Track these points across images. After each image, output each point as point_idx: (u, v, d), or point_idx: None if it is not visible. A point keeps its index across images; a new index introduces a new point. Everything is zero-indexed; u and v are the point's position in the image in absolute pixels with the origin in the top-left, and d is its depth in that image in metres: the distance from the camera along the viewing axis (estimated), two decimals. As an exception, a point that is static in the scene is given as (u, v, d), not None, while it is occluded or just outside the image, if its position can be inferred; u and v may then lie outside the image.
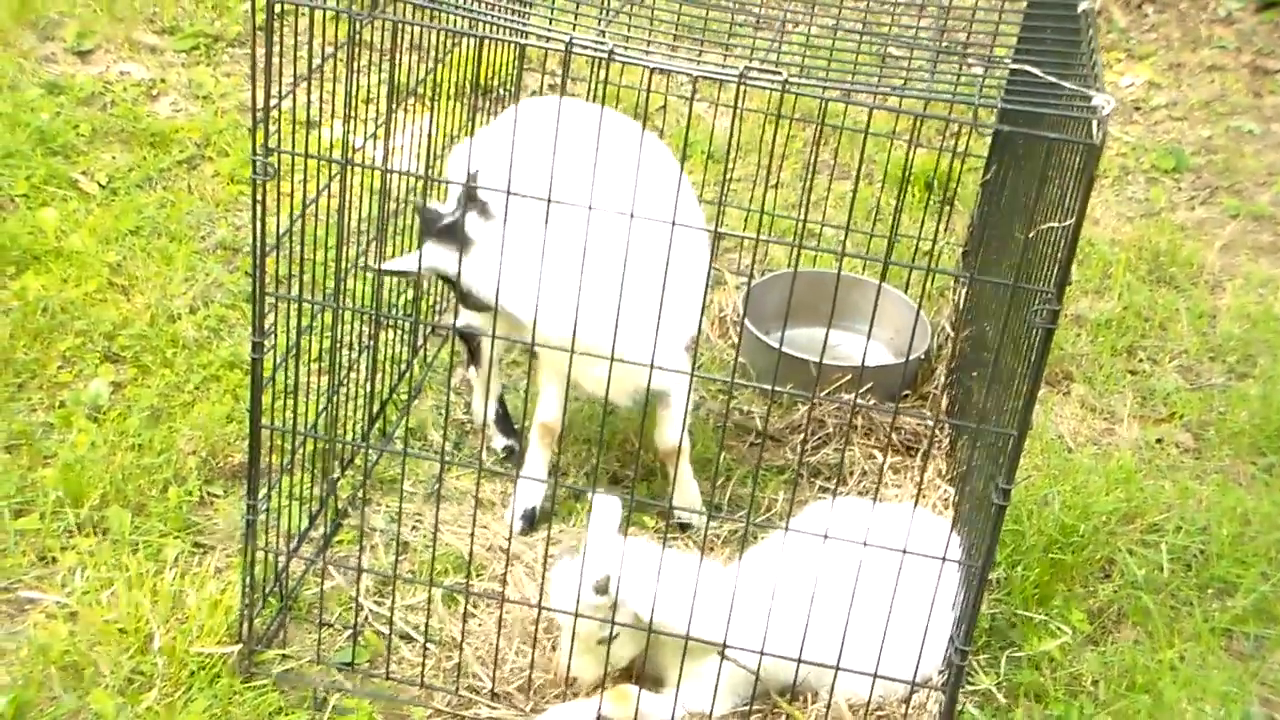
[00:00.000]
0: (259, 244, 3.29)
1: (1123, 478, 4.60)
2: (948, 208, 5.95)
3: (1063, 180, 3.28)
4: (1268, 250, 6.43)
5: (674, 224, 3.12)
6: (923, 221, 3.43)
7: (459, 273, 3.85)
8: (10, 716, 3.39)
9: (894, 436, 4.73)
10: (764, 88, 2.93)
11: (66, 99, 6.30)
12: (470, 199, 3.81)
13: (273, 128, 3.20)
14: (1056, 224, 3.04)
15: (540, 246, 3.43)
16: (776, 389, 3.30)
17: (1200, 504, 4.61)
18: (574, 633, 3.50)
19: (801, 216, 3.03)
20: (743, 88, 2.97)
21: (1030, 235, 3.22)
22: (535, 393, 4.33)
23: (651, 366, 3.34)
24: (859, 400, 4.32)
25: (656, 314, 3.39)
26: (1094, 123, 2.82)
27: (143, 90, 6.58)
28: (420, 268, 3.96)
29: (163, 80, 6.69)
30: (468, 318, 4.52)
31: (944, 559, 3.29)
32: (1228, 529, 4.45)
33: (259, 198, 3.23)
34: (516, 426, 4.62)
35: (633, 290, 3.42)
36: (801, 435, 4.69)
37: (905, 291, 5.23)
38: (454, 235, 3.87)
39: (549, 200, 3.15)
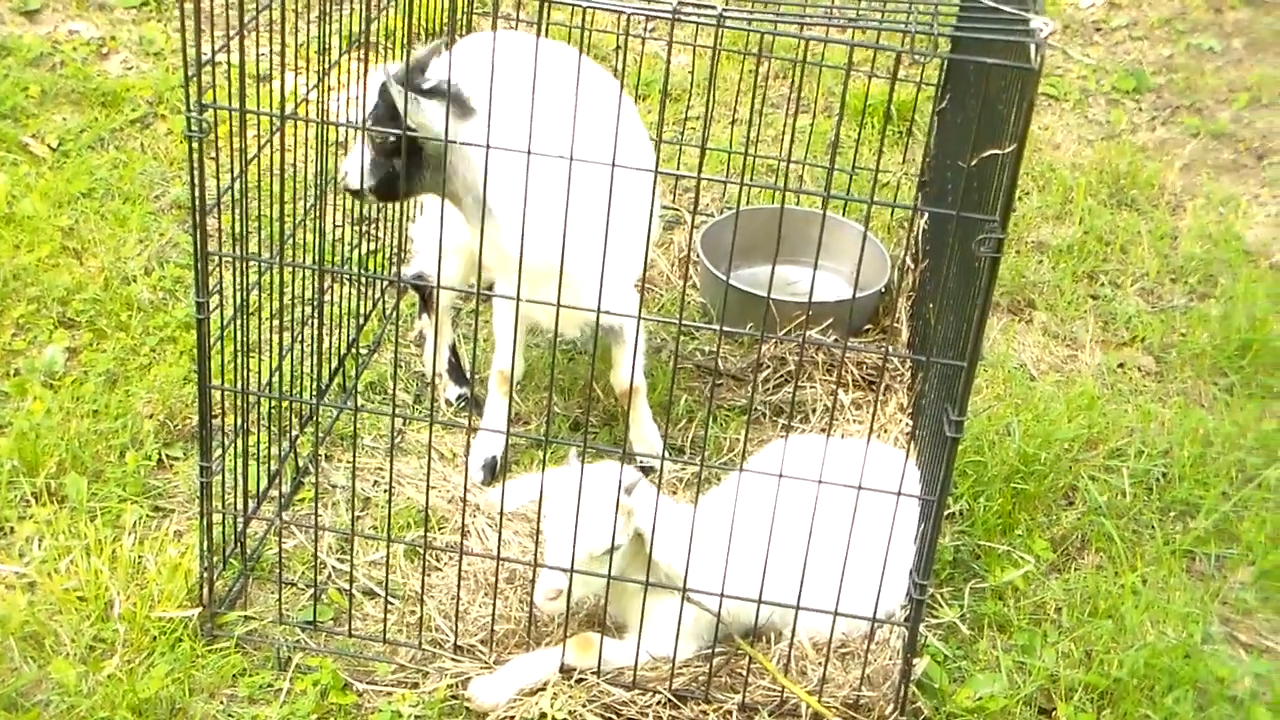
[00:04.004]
0: (198, 202, 3.26)
1: (1085, 404, 4.61)
2: (907, 139, 5.93)
3: (1009, 106, 3.24)
4: (1228, 168, 6.41)
5: (613, 165, 3.08)
6: (879, 152, 3.39)
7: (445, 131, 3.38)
8: (-29, 689, 3.39)
9: (856, 371, 4.72)
10: (697, 22, 2.89)
11: (14, 60, 6.21)
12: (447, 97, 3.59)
13: (213, 82, 3.16)
14: (999, 151, 3.00)
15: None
16: (725, 329, 3.27)
17: (1162, 427, 4.62)
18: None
19: (746, 151, 2.98)
20: (705, 28, 2.92)
21: (973, 163, 3.19)
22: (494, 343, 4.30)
23: (599, 307, 3.31)
24: (815, 336, 4.30)
25: (605, 248, 3.33)
26: (1032, 46, 2.78)
27: (92, 49, 6.49)
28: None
29: (113, 38, 6.60)
30: (419, 266, 4.49)
31: (899, 493, 3.28)
32: (1189, 451, 4.46)
33: (195, 155, 3.19)
34: (475, 376, 4.60)
35: (583, 223, 3.38)
36: (763, 374, 4.68)
37: (866, 226, 5.20)
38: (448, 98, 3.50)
39: (487, 146, 3.11)
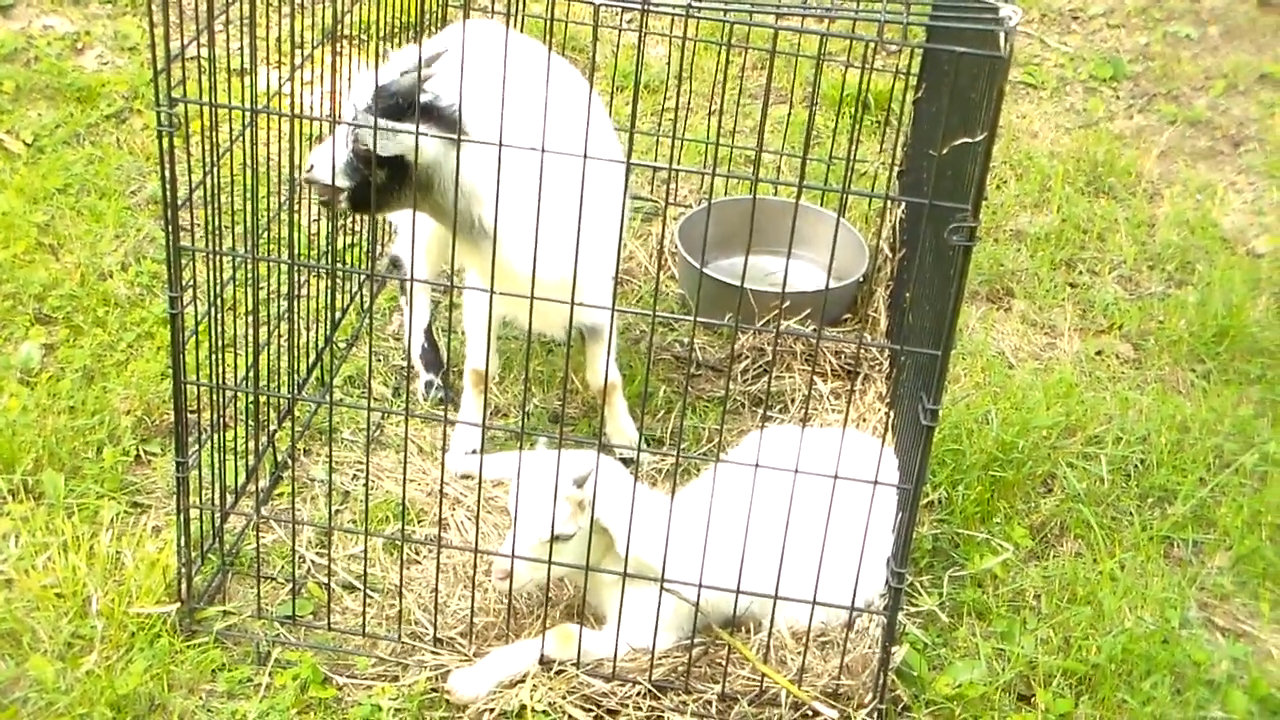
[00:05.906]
0: (169, 197, 3.24)
1: (1063, 392, 4.62)
2: (884, 128, 5.93)
3: (981, 94, 3.24)
4: (1205, 155, 6.43)
5: (585, 156, 3.07)
6: (853, 140, 3.39)
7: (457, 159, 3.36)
8: (-52, 687, 3.37)
9: (835, 361, 4.73)
10: (667, 13, 2.88)
11: (-13, 57, 6.20)
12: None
13: (184, 76, 3.14)
14: (970, 140, 3.00)
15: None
16: (701, 320, 3.28)
17: (1140, 414, 4.63)
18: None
19: (718, 141, 2.98)
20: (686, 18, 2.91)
21: (944, 152, 3.19)
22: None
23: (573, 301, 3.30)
24: (791, 326, 4.30)
25: (587, 244, 3.32)
26: (1001, 34, 2.78)
27: (67, 44, 6.46)
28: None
29: (88, 33, 6.56)
30: (399, 248, 4.49)
31: (875, 482, 3.29)
32: (1166, 437, 4.47)
33: (166, 150, 3.18)
34: (453, 369, 4.59)
35: (568, 228, 3.36)
36: (742, 365, 4.68)
37: (840, 215, 5.20)
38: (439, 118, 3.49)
39: (459, 138, 3.10)
